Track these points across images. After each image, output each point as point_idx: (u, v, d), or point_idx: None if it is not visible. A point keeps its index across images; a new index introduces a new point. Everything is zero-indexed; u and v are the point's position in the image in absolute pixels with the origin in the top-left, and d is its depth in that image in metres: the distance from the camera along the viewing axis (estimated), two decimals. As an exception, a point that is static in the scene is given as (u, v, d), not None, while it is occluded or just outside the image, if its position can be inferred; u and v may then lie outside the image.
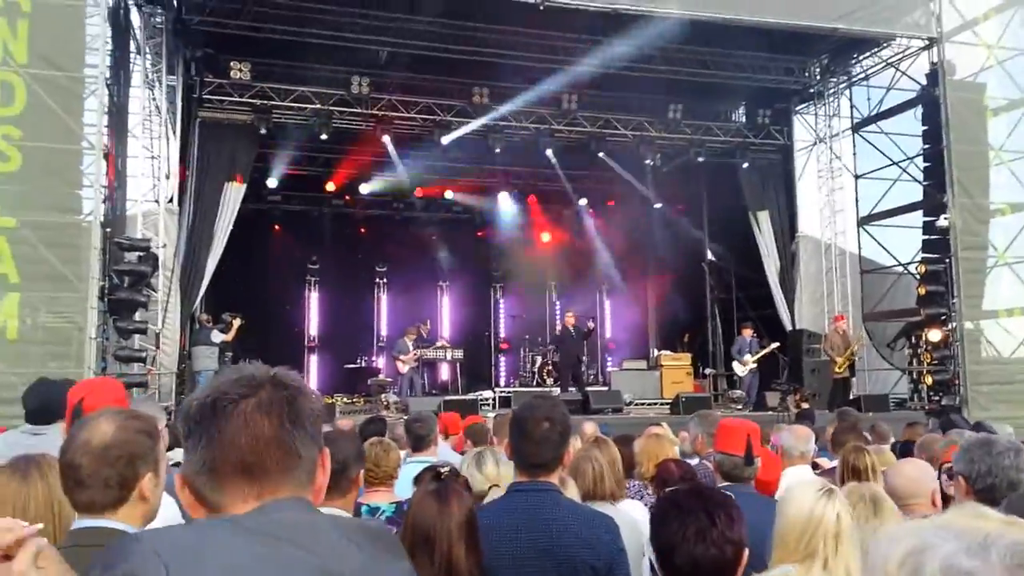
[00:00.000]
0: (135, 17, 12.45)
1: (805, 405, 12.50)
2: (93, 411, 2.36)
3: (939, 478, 3.32)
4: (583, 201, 20.35)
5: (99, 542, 1.83)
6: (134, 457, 2.07)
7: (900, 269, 15.57)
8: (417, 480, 3.10)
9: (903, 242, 15.73)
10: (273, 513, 1.24)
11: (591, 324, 16.97)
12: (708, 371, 17.46)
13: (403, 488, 4.25)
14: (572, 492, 3.61)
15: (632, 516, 3.65)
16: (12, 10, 9.91)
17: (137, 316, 11.22)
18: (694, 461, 5.45)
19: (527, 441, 2.84)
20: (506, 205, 19.97)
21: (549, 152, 16.41)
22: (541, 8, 12.26)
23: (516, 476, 2.92)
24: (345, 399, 15.77)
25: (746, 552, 2.23)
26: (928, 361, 14.12)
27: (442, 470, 2.93)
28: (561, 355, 16.53)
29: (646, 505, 4.25)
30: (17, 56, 9.85)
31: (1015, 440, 3.27)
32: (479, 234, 20.71)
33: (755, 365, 15.31)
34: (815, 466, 5.14)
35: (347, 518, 1.32)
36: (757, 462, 3.68)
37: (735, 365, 15.59)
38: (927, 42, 14.50)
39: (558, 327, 17.71)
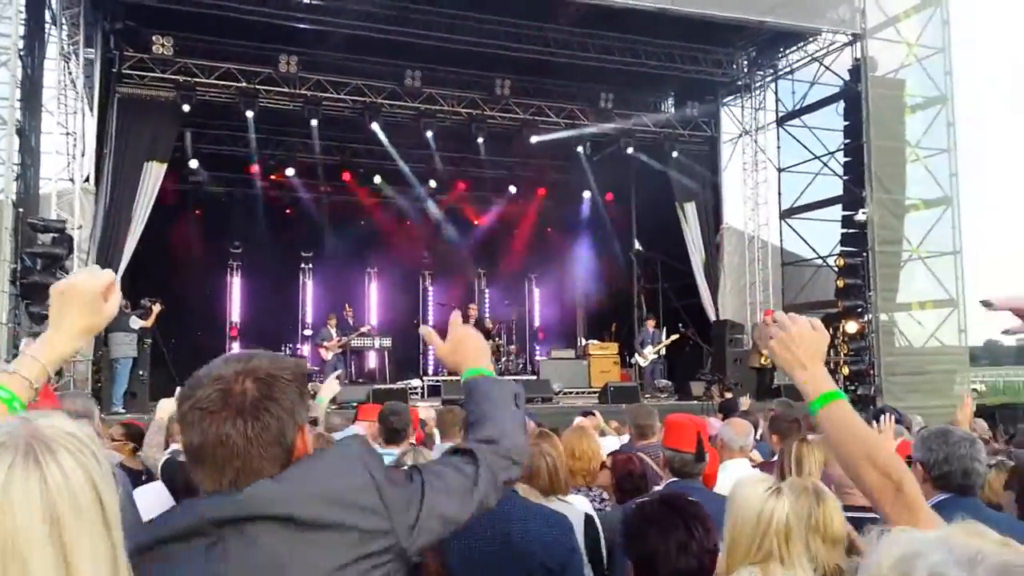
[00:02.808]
0: (51, -16, 11.86)
1: (728, 395, 12.77)
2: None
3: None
4: (512, 188, 20.30)
5: None
6: None
7: (819, 262, 16.04)
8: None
9: (823, 235, 16.25)
10: None
11: (490, 324, 17.39)
12: (634, 360, 17.71)
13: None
14: (524, 490, 3.57)
15: (585, 511, 3.63)
16: (-84, -26, 9.33)
17: (50, 300, 10.72)
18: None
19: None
20: (435, 191, 19.79)
21: (480, 140, 16.27)
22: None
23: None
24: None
25: (719, 557, 2.24)
26: (845, 352, 14.59)
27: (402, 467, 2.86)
28: None
29: (590, 499, 4.25)
30: (-79, 24, 9.27)
31: (970, 432, 3.42)
32: (407, 221, 20.43)
33: (656, 356, 15.75)
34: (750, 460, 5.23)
35: None
36: (707, 457, 3.73)
37: (636, 356, 15.98)
38: (851, 38, 14.92)
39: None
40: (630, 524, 2.33)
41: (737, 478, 2.86)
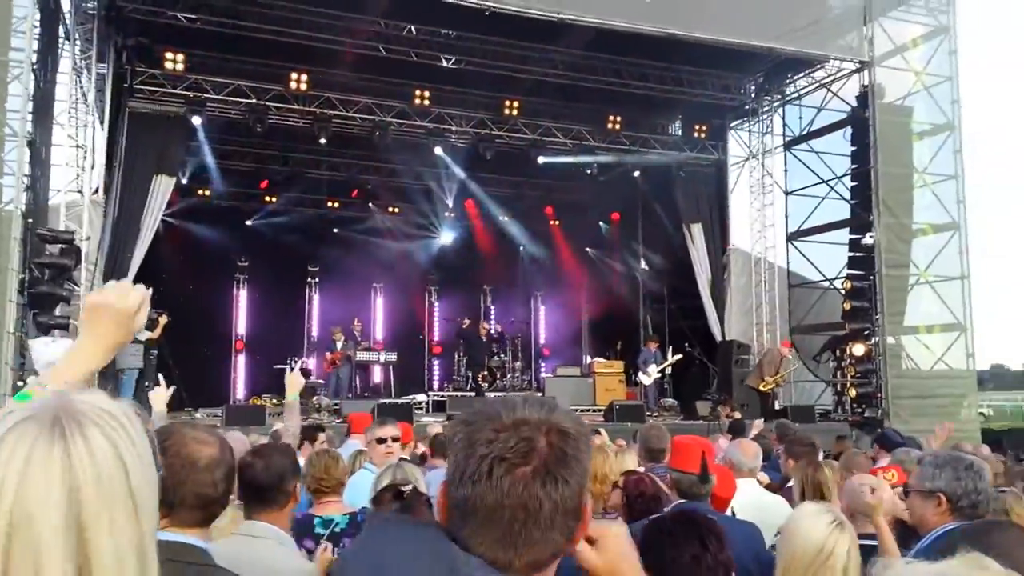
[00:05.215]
0: (65, 1, 11.94)
1: (736, 415, 12.72)
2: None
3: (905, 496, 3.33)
4: (520, 207, 20.31)
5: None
6: None
7: (826, 284, 16.01)
8: (376, 501, 3.00)
9: (829, 258, 16.21)
10: None
11: (483, 330, 17.80)
12: (638, 379, 17.64)
13: (352, 496, 4.15)
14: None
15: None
16: (-67, -13, 9.41)
17: (58, 311, 10.72)
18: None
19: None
20: (443, 209, 19.87)
21: (488, 158, 16.28)
22: (487, 14, 12.22)
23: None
24: (274, 400, 15.37)
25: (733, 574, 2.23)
26: (852, 374, 14.57)
27: (403, 488, 2.84)
28: (471, 358, 17.13)
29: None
30: (-63, 36, 9.35)
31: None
32: (414, 237, 20.49)
33: (660, 375, 15.74)
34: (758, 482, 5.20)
35: None
36: (713, 479, 3.71)
37: (640, 375, 15.95)
38: (859, 65, 14.97)
39: (465, 324, 17.83)
40: (646, 537, 2.31)
41: (799, 508, 2.80)
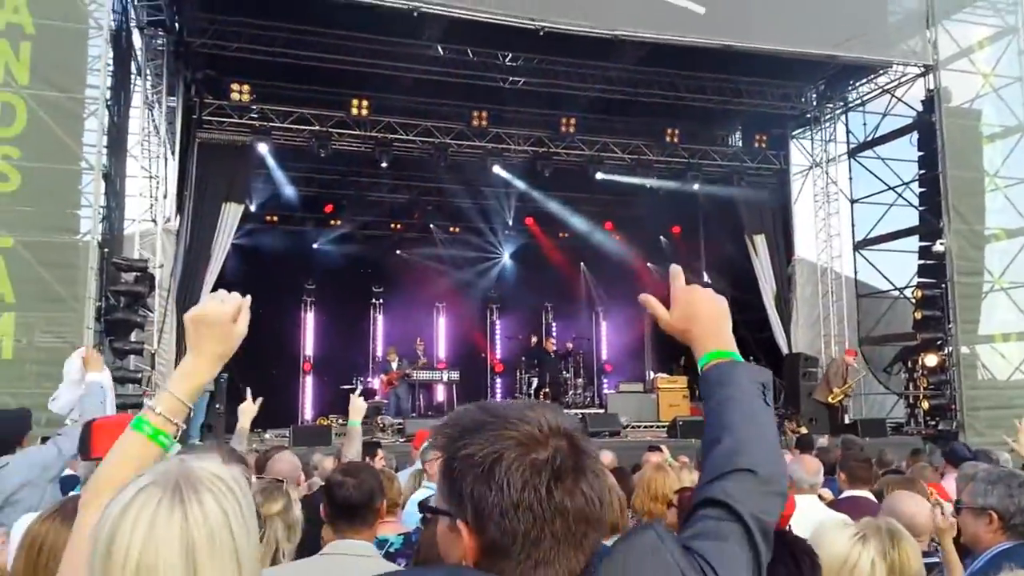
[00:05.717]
0: (136, 39, 12.48)
1: (803, 430, 12.48)
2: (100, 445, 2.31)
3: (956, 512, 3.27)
4: (579, 222, 20.31)
5: None
6: None
7: (896, 293, 15.62)
8: (424, 519, 3.06)
9: (899, 266, 15.83)
10: None
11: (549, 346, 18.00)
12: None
13: (409, 517, 4.21)
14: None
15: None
16: (14, 32, 9.89)
17: (133, 336, 11.15)
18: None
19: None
20: (503, 227, 20.01)
21: (546, 175, 16.36)
22: (541, 34, 12.31)
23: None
24: (340, 420, 15.67)
25: None
26: (924, 386, 14.16)
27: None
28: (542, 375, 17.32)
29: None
30: (19, 77, 9.82)
31: None
32: (476, 255, 20.68)
33: None
34: (820, 498, 5.11)
35: None
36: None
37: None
38: (923, 69, 14.61)
39: (532, 342, 18.07)
40: None
41: (819, 520, 2.79)
